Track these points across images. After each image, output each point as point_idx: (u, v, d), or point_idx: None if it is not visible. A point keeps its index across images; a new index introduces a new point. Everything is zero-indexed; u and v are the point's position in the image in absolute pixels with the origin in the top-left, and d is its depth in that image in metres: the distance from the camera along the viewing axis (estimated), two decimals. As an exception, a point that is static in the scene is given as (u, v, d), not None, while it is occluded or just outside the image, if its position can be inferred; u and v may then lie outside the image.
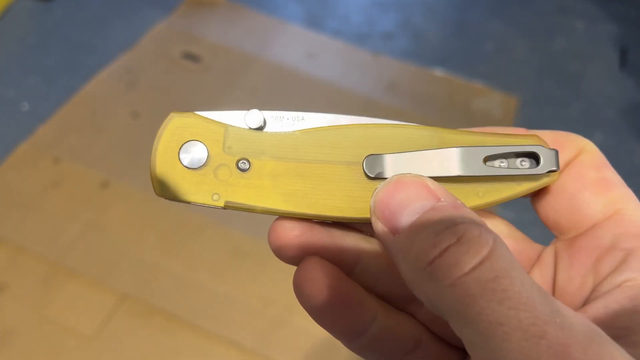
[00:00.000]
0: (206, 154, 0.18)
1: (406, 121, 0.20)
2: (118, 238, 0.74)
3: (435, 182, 0.15)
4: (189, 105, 0.91)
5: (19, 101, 0.90)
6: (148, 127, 0.87)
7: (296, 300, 0.19)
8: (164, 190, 0.19)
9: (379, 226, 0.15)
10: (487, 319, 0.12)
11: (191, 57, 0.99)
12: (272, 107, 0.20)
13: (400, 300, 0.18)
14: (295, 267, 0.19)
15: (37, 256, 0.71)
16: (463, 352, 0.19)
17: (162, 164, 0.18)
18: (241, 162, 0.18)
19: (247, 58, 1.00)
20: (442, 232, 0.13)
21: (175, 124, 0.18)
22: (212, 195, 0.18)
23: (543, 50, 1.16)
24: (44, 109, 0.88)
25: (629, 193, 0.18)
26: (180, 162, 0.18)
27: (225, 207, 0.18)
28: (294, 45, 1.05)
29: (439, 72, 1.06)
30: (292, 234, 0.18)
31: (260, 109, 0.19)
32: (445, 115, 0.98)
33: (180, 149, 0.18)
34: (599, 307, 0.15)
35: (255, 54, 1.01)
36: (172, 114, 0.19)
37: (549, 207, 0.18)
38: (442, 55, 1.11)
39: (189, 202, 0.18)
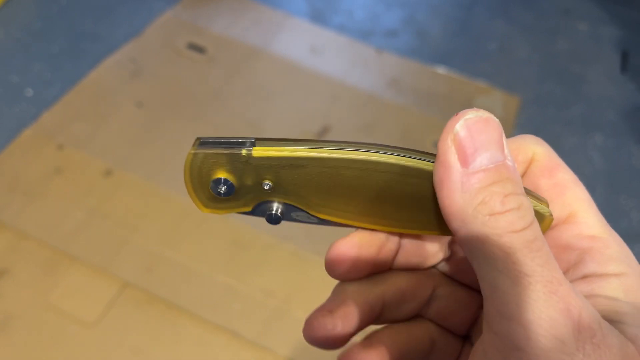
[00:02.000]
0: (233, 187, 0.19)
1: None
2: (120, 226, 0.74)
3: (502, 134, 0.16)
4: (193, 96, 0.92)
5: (23, 87, 0.90)
6: (152, 116, 0.87)
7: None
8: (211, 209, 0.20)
9: (451, 151, 0.15)
10: (519, 268, 0.14)
11: (196, 47, 0.99)
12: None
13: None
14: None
15: (39, 242, 0.71)
16: (469, 342, 0.22)
17: (199, 197, 0.20)
18: (264, 184, 0.19)
19: (251, 50, 1.01)
20: (509, 195, 0.15)
21: (195, 161, 0.19)
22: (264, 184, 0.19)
23: (545, 51, 1.17)
24: (48, 95, 0.88)
25: (581, 193, 0.19)
26: (214, 194, 0.19)
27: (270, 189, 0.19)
28: (298, 39, 1.05)
29: (441, 70, 1.06)
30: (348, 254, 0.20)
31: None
32: (447, 112, 0.98)
33: (209, 185, 0.19)
34: None
35: (259, 46, 1.02)
36: (189, 153, 0.19)
37: None
38: (445, 53, 1.12)
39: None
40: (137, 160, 0.81)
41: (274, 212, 0.19)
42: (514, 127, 1.00)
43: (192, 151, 0.19)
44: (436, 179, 0.16)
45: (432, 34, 1.16)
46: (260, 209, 0.20)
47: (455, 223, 0.16)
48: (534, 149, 0.20)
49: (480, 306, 0.21)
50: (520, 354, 0.14)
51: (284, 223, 0.20)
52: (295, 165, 0.19)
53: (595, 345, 0.14)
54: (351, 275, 0.20)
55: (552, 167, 0.20)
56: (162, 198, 0.77)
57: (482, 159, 0.15)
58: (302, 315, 0.69)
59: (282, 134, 0.89)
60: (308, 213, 0.20)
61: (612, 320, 0.16)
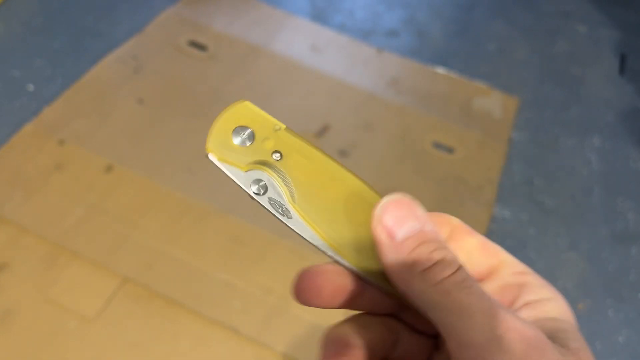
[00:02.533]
0: (252, 140, 0.21)
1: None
2: (120, 222, 0.74)
3: (421, 209, 0.20)
4: (193, 93, 0.92)
5: (24, 82, 0.90)
6: (153, 113, 0.87)
7: None
8: (215, 151, 0.21)
9: (380, 230, 0.19)
10: (459, 305, 0.17)
11: (197, 45, 0.99)
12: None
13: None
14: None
15: (40, 237, 0.71)
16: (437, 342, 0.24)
17: (217, 136, 0.21)
18: (275, 154, 0.21)
19: (252, 49, 1.01)
20: (433, 252, 0.18)
21: (242, 107, 0.22)
22: (273, 154, 0.21)
23: (544, 52, 1.18)
24: (49, 91, 0.89)
25: (496, 246, 0.23)
26: (231, 137, 0.21)
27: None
28: (299, 37, 1.06)
29: (441, 70, 1.07)
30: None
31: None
32: (446, 113, 0.99)
33: (234, 128, 0.21)
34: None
35: (260, 45, 1.02)
36: (242, 101, 0.22)
37: None
38: (445, 53, 1.12)
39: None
40: (138, 157, 0.81)
41: (261, 182, 0.21)
42: (513, 128, 1.01)
43: (246, 101, 0.22)
44: (377, 255, 0.20)
45: (432, 34, 1.17)
46: (250, 175, 0.21)
47: (400, 285, 0.19)
48: (453, 218, 0.23)
49: (435, 348, 0.23)
50: None
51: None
52: (309, 158, 0.21)
53: None
54: (326, 303, 0.22)
55: (470, 231, 0.23)
56: (162, 194, 0.77)
57: (403, 231, 0.19)
58: (301, 313, 0.70)
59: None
60: (284, 205, 0.21)
61: (558, 337, 0.19)
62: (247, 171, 0.21)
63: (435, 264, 0.18)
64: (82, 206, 0.75)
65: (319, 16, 1.14)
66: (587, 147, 1.01)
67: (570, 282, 0.81)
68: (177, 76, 0.94)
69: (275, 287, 0.71)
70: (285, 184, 0.21)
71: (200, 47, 0.99)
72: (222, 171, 0.22)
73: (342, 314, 0.23)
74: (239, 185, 0.22)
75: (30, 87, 0.89)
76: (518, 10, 1.26)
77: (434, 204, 0.84)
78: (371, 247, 0.20)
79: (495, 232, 0.84)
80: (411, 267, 0.18)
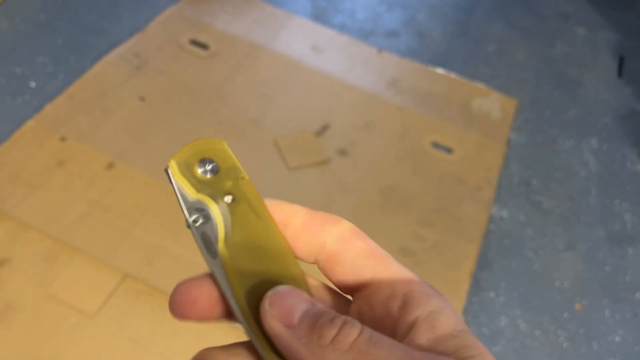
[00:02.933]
0: (215, 173, 0.22)
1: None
2: (121, 218, 0.75)
3: (303, 293, 0.20)
4: (195, 91, 0.92)
5: (27, 79, 0.90)
6: (154, 111, 0.88)
7: None
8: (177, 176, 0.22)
9: (274, 324, 0.20)
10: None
11: (199, 44, 1.00)
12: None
13: None
14: None
15: (41, 233, 0.72)
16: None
17: (185, 156, 0.22)
18: (228, 195, 0.22)
19: (253, 48, 1.02)
20: (335, 319, 0.19)
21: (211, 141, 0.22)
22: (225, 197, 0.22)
23: (543, 54, 1.18)
24: (51, 87, 0.89)
25: (386, 253, 0.22)
26: (197, 168, 0.22)
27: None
28: (300, 37, 1.06)
29: (441, 71, 1.07)
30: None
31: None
32: (445, 113, 0.99)
33: (199, 159, 0.22)
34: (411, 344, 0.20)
35: (261, 44, 1.02)
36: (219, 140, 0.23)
37: (337, 275, 0.22)
38: (444, 54, 1.13)
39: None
40: (139, 154, 0.82)
41: (203, 212, 0.22)
42: (511, 129, 1.01)
43: (224, 141, 0.23)
44: (284, 351, 0.20)
45: (432, 35, 1.17)
46: (196, 203, 0.22)
47: None
48: (343, 222, 0.23)
49: None
50: None
51: None
52: (257, 213, 0.22)
53: None
54: (202, 315, 0.22)
55: (362, 235, 0.23)
56: (162, 192, 0.78)
57: (297, 315, 0.19)
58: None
59: (282, 131, 0.90)
60: (214, 245, 0.21)
61: (462, 354, 0.19)
62: (195, 198, 0.21)
63: (342, 328, 0.18)
64: (84, 202, 0.76)
65: (320, 16, 1.15)
66: (585, 148, 1.01)
67: (567, 282, 0.82)
68: (179, 74, 0.95)
69: (274, 284, 0.72)
70: (224, 226, 0.21)
71: (202, 45, 1.00)
72: (173, 187, 0.22)
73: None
74: (181, 206, 0.22)
75: (33, 84, 0.90)
76: (518, 12, 1.27)
77: (432, 204, 0.85)
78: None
79: (493, 232, 0.85)
80: (319, 342, 0.18)
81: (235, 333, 0.68)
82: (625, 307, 0.80)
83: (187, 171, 0.21)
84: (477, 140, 0.96)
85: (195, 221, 0.21)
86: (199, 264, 0.72)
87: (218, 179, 0.22)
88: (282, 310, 0.19)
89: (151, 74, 0.93)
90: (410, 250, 0.78)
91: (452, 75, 1.07)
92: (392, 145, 0.92)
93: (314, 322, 0.19)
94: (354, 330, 0.18)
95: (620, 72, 1.18)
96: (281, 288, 0.20)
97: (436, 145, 0.94)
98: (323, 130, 0.91)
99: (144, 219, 0.75)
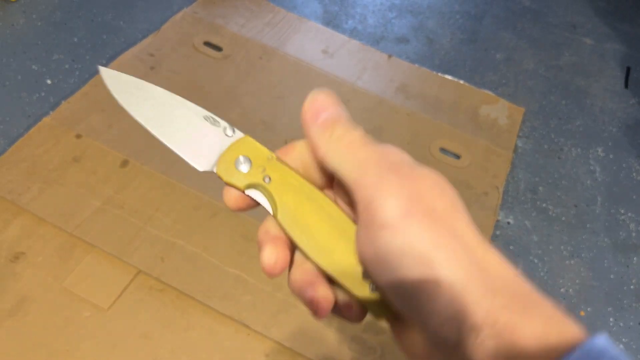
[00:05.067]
0: (249, 166, 0.27)
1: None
2: (135, 216, 0.76)
3: (333, 99, 0.26)
4: (207, 92, 0.94)
5: (43, 75, 0.92)
6: (167, 111, 0.89)
7: None
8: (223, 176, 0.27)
9: (308, 116, 0.25)
10: (358, 158, 0.23)
11: (212, 45, 1.01)
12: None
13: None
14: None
15: (56, 228, 0.73)
16: None
17: (224, 162, 0.27)
18: (266, 177, 0.26)
19: (265, 50, 1.03)
20: (344, 124, 0.24)
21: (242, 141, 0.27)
22: (264, 177, 0.26)
23: (551, 64, 1.20)
24: (67, 85, 0.90)
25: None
26: (234, 166, 0.27)
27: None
28: (312, 41, 1.08)
29: (449, 78, 1.08)
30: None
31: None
32: (454, 119, 1.01)
33: (236, 157, 0.27)
34: None
35: (273, 47, 1.04)
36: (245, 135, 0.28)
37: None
38: (453, 61, 1.14)
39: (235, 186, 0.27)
40: (153, 153, 0.83)
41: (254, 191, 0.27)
42: (518, 136, 1.03)
43: (248, 136, 0.27)
44: (309, 141, 0.25)
45: (441, 42, 1.19)
46: (247, 194, 0.27)
47: (326, 156, 0.24)
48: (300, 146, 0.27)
49: None
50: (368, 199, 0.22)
51: None
52: (292, 182, 0.26)
53: (403, 174, 0.22)
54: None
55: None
56: (176, 190, 0.79)
57: (324, 115, 0.25)
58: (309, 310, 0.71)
59: (293, 133, 0.91)
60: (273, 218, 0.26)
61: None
62: (244, 190, 0.26)
63: (348, 129, 0.24)
64: (98, 199, 0.77)
65: (332, 21, 1.16)
66: (591, 157, 1.02)
67: (572, 289, 0.83)
68: (192, 75, 0.96)
69: (284, 284, 0.73)
70: (272, 202, 0.26)
71: (215, 47, 1.01)
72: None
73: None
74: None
75: (49, 81, 0.91)
76: (526, 21, 1.28)
77: (440, 208, 0.86)
78: (340, 258, 0.24)
79: (499, 238, 0.86)
80: (330, 137, 0.24)
81: (245, 330, 0.69)
82: (629, 315, 0.81)
83: (230, 174, 0.26)
84: (484, 146, 0.97)
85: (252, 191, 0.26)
86: (211, 262, 0.73)
87: (254, 169, 0.26)
88: (314, 109, 0.25)
89: (165, 74, 0.94)
90: (419, 254, 0.79)
91: (461, 82, 1.08)
92: (401, 149, 0.93)
93: (331, 122, 0.24)
94: (356, 133, 0.24)
95: (626, 82, 1.19)
96: (317, 93, 0.26)
97: (444, 150, 0.95)
98: (333, 133, 0.93)
99: (157, 216, 0.76)
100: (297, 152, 0.27)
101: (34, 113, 0.85)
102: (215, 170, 0.27)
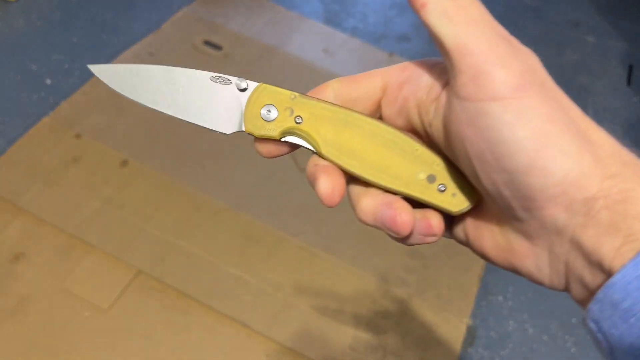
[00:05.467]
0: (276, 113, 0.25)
1: None
2: (135, 216, 0.76)
3: None
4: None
5: (42, 75, 0.91)
6: (167, 110, 0.89)
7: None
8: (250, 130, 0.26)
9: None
10: (470, 18, 0.20)
11: (212, 44, 1.01)
12: None
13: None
14: None
15: (56, 228, 0.73)
16: None
17: (250, 118, 0.26)
18: (297, 117, 0.25)
19: (266, 49, 1.02)
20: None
21: (258, 90, 0.26)
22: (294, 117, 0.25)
23: (553, 62, 1.19)
24: (66, 85, 0.90)
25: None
26: (261, 118, 0.25)
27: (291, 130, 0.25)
28: (312, 40, 1.07)
29: (451, 76, 1.08)
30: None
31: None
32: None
33: (260, 109, 0.26)
34: None
35: (274, 46, 1.03)
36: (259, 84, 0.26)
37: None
38: (455, 59, 1.14)
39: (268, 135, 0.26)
40: (153, 153, 0.82)
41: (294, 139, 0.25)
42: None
43: (264, 84, 0.26)
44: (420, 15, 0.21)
45: (442, 40, 1.18)
46: (284, 140, 0.25)
47: (423, 10, 0.20)
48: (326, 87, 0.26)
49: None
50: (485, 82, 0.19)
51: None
52: (323, 113, 0.25)
53: (515, 45, 0.20)
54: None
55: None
56: (175, 190, 0.79)
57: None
58: (310, 309, 0.71)
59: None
60: (315, 152, 0.25)
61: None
62: (280, 139, 0.25)
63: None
64: (98, 199, 0.76)
65: (332, 19, 1.15)
66: (594, 156, 1.02)
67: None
68: (192, 74, 0.95)
69: (285, 283, 0.72)
70: (311, 140, 0.25)
71: (215, 46, 1.01)
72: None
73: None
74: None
75: (48, 81, 0.91)
76: (528, 19, 1.28)
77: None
78: (399, 175, 0.24)
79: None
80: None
81: (246, 329, 0.68)
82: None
83: (260, 127, 0.25)
84: (486, 145, 0.97)
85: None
86: (212, 262, 0.73)
87: (281, 114, 0.25)
88: None
89: (165, 73, 0.94)
90: (420, 253, 0.78)
91: (462, 80, 1.08)
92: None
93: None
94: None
95: (629, 80, 1.18)
96: None
97: (446, 149, 0.95)
98: (334, 132, 0.92)
99: (157, 216, 0.76)
100: (331, 91, 0.25)
101: (33, 113, 0.85)
102: (243, 129, 0.26)
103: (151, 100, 0.26)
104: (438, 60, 0.23)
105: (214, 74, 0.27)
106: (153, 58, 0.96)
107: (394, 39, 1.15)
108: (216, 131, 0.27)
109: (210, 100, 0.27)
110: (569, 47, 1.23)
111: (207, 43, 1.01)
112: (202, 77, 0.27)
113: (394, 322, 0.71)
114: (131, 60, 0.95)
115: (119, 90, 0.27)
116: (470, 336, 0.74)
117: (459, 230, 0.26)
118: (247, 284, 0.72)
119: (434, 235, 0.24)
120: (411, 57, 1.11)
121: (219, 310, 0.69)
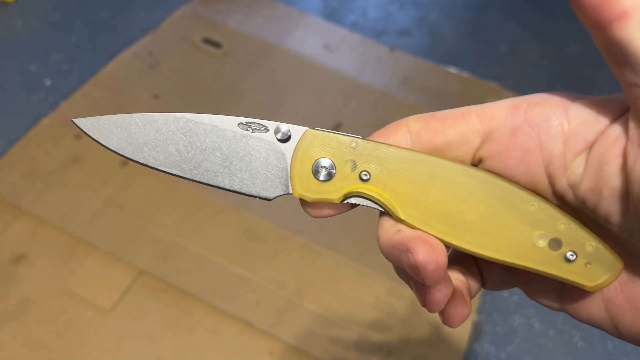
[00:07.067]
0: (334, 169, 0.20)
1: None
2: (136, 216, 0.75)
3: None
4: (208, 90, 0.93)
5: (42, 76, 0.91)
6: (168, 108, 0.88)
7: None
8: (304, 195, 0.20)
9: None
10: None
11: (212, 42, 1.00)
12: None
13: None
14: None
15: (57, 229, 0.72)
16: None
17: (299, 178, 0.20)
18: (363, 173, 0.19)
19: (265, 46, 1.02)
20: None
21: (305, 139, 0.20)
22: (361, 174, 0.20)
23: (556, 54, 1.18)
24: (66, 85, 0.90)
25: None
26: (314, 177, 0.20)
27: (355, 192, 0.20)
28: (312, 36, 1.06)
29: (453, 70, 1.07)
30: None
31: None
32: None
33: (312, 165, 0.20)
34: None
35: (274, 42, 1.03)
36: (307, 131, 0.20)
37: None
38: (456, 54, 1.13)
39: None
40: (153, 151, 0.82)
41: (359, 205, 0.20)
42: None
43: (311, 129, 0.20)
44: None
45: (444, 34, 1.17)
46: (347, 200, 0.20)
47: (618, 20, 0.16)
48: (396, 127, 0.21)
49: None
50: None
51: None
52: (397, 162, 0.19)
53: None
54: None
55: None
56: (177, 189, 0.78)
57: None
58: (313, 307, 0.70)
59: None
60: (391, 216, 0.20)
61: None
62: (341, 201, 0.20)
63: None
64: (99, 199, 0.76)
65: (332, 15, 1.15)
66: (599, 148, 1.01)
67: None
68: (192, 72, 0.95)
69: (288, 281, 0.72)
70: (384, 201, 0.19)
71: (215, 44, 1.00)
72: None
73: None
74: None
75: (48, 82, 0.90)
76: (530, 12, 1.27)
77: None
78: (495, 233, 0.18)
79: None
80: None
81: (249, 328, 0.68)
82: None
83: (314, 189, 0.19)
84: (489, 139, 0.96)
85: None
86: (214, 261, 0.73)
87: (340, 169, 0.19)
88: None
89: (165, 72, 0.94)
90: (424, 249, 0.78)
91: (465, 74, 1.07)
92: (405, 144, 0.92)
93: None
94: None
95: (633, 72, 1.17)
96: None
97: (449, 144, 0.94)
98: (335, 128, 0.92)
99: (158, 216, 0.75)
100: (406, 133, 0.19)
101: (33, 114, 0.85)
102: (290, 192, 0.20)
103: (165, 162, 0.20)
104: (573, 95, 0.18)
105: (244, 120, 0.20)
106: (152, 57, 0.95)
107: (395, 34, 1.14)
108: (255, 196, 0.21)
109: (244, 156, 0.20)
110: (571, 39, 1.22)
111: (207, 41, 1.00)
112: (229, 124, 0.20)
113: (399, 319, 0.71)
114: (130, 59, 0.94)
115: (122, 153, 0.21)
116: (476, 332, 0.74)
117: (591, 306, 0.20)
118: (250, 282, 0.71)
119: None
120: (412, 51, 1.10)
121: (222, 310, 0.69)
